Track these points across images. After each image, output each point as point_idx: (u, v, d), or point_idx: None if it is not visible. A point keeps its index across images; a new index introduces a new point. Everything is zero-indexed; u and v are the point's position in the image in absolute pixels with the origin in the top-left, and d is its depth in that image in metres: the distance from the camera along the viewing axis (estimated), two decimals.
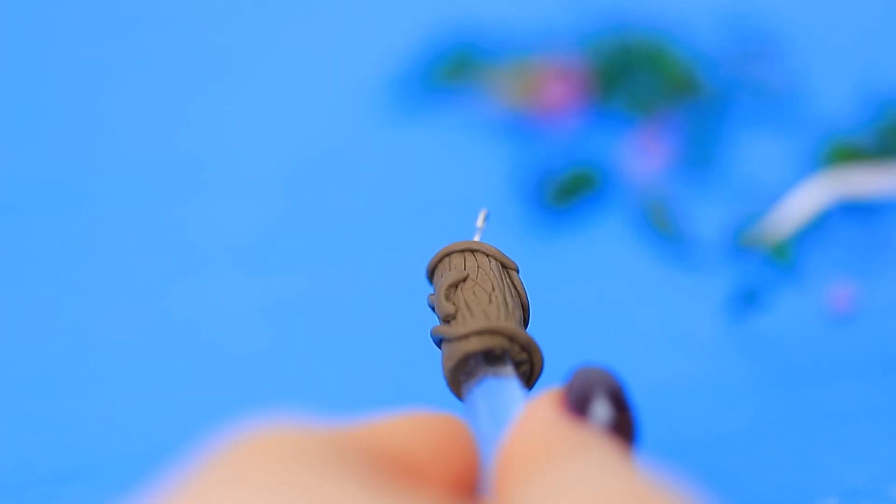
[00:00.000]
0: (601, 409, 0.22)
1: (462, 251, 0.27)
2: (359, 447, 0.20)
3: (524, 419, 0.22)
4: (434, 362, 0.28)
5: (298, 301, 0.41)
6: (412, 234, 0.44)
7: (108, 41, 0.55)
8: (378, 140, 0.49)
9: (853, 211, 0.45)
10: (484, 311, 0.25)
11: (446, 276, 0.26)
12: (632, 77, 0.50)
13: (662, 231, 0.44)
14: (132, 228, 0.45)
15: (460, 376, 0.25)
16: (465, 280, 0.26)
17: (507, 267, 0.27)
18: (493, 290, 0.26)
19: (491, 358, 0.25)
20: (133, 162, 0.48)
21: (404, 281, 0.40)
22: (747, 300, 0.39)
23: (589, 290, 0.42)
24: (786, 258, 0.42)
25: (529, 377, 0.25)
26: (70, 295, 0.42)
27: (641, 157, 0.47)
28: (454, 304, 0.26)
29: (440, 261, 0.27)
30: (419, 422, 0.22)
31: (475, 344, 0.25)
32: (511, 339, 0.25)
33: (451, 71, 0.51)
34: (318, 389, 0.38)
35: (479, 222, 0.28)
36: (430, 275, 0.28)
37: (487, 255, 0.27)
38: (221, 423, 0.21)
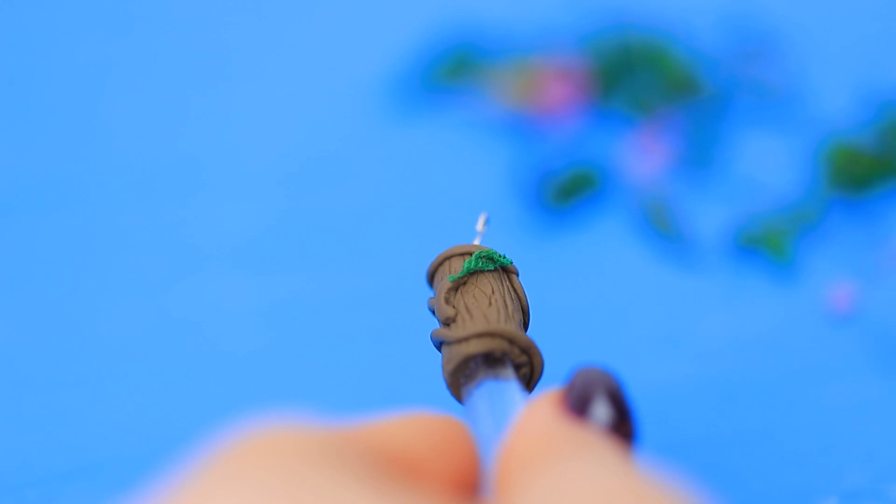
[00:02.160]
0: (601, 410, 0.22)
1: (462, 255, 0.27)
2: (359, 448, 0.20)
3: (524, 420, 0.22)
4: (434, 363, 0.28)
5: (298, 301, 0.42)
6: (412, 234, 0.44)
7: (108, 41, 0.55)
8: (378, 140, 0.49)
9: (853, 211, 0.45)
10: (484, 314, 0.25)
11: (446, 280, 0.26)
12: (632, 77, 0.50)
13: (662, 231, 0.44)
14: (132, 228, 0.45)
15: (460, 379, 0.25)
16: (464, 283, 0.26)
17: (506, 270, 0.27)
18: (493, 293, 0.26)
19: (491, 360, 0.25)
20: (133, 162, 0.48)
21: (404, 281, 0.40)
22: None
23: (589, 291, 0.42)
24: (786, 258, 0.42)
25: (530, 379, 0.25)
26: (70, 295, 0.42)
27: (641, 157, 0.47)
28: (454, 307, 0.26)
29: (440, 264, 0.27)
30: (420, 422, 0.22)
31: (475, 347, 0.25)
32: (511, 341, 0.25)
33: (451, 71, 0.51)
34: (318, 389, 0.38)
35: (480, 226, 0.28)
36: (431, 278, 0.28)
37: None
38: (221, 423, 0.21)
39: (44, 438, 0.37)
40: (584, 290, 0.42)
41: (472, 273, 0.26)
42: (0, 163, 0.48)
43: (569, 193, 0.45)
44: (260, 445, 0.19)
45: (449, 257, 0.27)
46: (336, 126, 0.50)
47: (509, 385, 0.24)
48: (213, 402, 0.38)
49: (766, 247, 0.43)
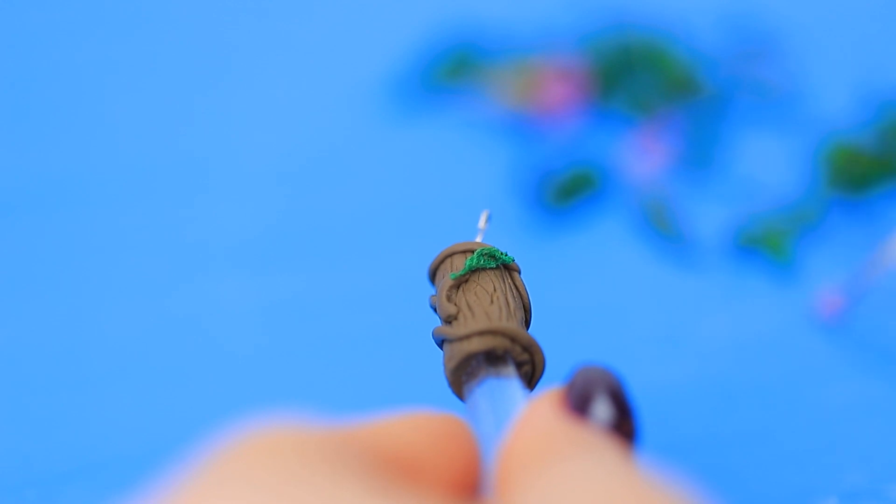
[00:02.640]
0: (602, 409, 0.22)
1: (464, 252, 0.27)
2: (359, 447, 0.20)
3: (525, 419, 0.22)
4: (435, 362, 0.28)
5: (298, 301, 0.41)
6: (412, 234, 0.44)
7: (110, 42, 0.55)
8: (378, 140, 0.49)
9: (853, 211, 0.45)
10: (486, 311, 0.25)
11: (448, 277, 0.26)
12: (632, 77, 0.50)
13: (662, 231, 0.44)
14: (133, 228, 0.45)
15: (462, 377, 0.25)
16: (466, 281, 0.26)
17: (508, 268, 0.27)
18: (495, 290, 0.26)
19: (492, 358, 0.25)
20: (133, 162, 0.48)
21: (404, 281, 0.40)
22: None
23: (589, 290, 0.42)
24: (785, 258, 0.42)
25: (531, 377, 0.25)
26: (70, 295, 0.42)
27: (641, 157, 0.47)
28: (456, 304, 0.26)
29: (442, 262, 0.27)
30: (420, 421, 0.22)
31: (477, 344, 0.24)
32: (512, 339, 0.25)
33: (451, 71, 0.51)
34: (318, 389, 0.38)
35: (482, 223, 0.28)
36: (432, 276, 0.27)
37: None
38: (221, 423, 0.21)
39: (44, 438, 0.37)
40: (584, 290, 0.42)
41: (473, 270, 0.26)
42: (0, 163, 0.48)
43: (569, 193, 0.45)
44: (259, 445, 0.19)
45: (451, 255, 0.27)
46: (336, 126, 0.50)
47: (511, 383, 0.24)
48: (213, 402, 0.37)
49: (765, 247, 0.43)
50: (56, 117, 0.51)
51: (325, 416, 0.21)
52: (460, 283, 0.26)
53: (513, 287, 0.26)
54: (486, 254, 0.26)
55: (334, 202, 0.46)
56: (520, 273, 0.27)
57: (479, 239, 0.28)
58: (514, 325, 0.25)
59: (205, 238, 0.44)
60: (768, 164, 0.47)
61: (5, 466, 0.36)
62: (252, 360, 0.39)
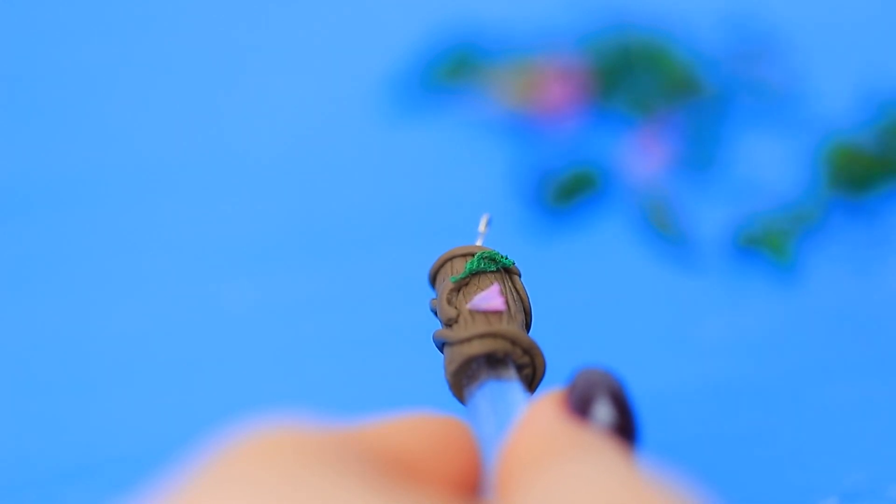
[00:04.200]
0: (603, 411, 0.22)
1: (464, 256, 0.27)
2: (360, 448, 0.20)
3: (526, 420, 0.22)
4: (436, 363, 0.28)
5: (299, 301, 0.41)
6: (412, 234, 0.44)
7: (114, 42, 0.55)
8: (378, 140, 0.49)
9: (853, 211, 0.45)
10: (486, 314, 0.25)
11: (448, 281, 0.26)
12: (632, 77, 0.50)
13: (663, 231, 0.44)
14: (133, 228, 0.45)
15: (462, 380, 0.25)
16: (466, 284, 0.26)
17: (508, 271, 0.27)
18: None
19: (493, 361, 0.25)
20: (134, 162, 0.48)
21: (404, 281, 0.40)
22: None
23: (590, 291, 0.42)
24: (786, 258, 0.43)
25: (532, 380, 0.25)
26: (71, 294, 0.42)
27: (641, 157, 0.47)
28: (456, 307, 0.26)
29: (442, 265, 0.27)
30: (421, 423, 0.22)
31: (477, 347, 0.25)
32: (513, 342, 0.25)
33: (451, 71, 0.51)
34: (319, 389, 0.38)
35: (482, 227, 0.28)
36: (433, 279, 0.28)
37: None
38: (222, 424, 0.21)
39: (44, 438, 0.37)
40: (585, 291, 0.42)
41: (474, 274, 0.26)
42: (3, 162, 0.48)
43: (569, 194, 0.45)
44: (260, 446, 0.19)
45: (451, 258, 0.27)
46: (336, 126, 0.50)
47: (511, 386, 0.24)
48: (214, 402, 0.38)
49: (766, 247, 0.43)
50: (58, 117, 0.51)
51: (326, 418, 0.21)
52: (460, 286, 0.26)
53: (513, 290, 0.26)
54: (486, 257, 0.26)
55: (334, 202, 0.46)
56: (520, 276, 0.27)
57: (479, 242, 0.28)
58: (514, 327, 0.25)
59: (204, 238, 0.44)
60: (769, 165, 0.47)
61: (5, 466, 0.36)
62: (252, 360, 0.39)
